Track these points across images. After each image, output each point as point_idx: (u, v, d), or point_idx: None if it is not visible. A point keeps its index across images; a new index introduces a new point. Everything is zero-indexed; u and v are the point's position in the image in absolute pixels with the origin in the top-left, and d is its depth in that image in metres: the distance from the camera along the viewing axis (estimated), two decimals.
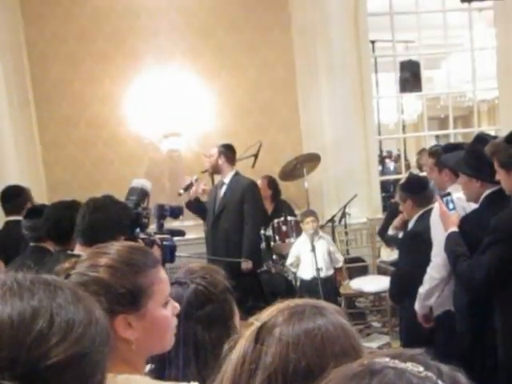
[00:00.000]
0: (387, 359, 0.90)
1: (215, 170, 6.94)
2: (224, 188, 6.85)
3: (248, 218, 6.71)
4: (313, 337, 1.24)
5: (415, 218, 4.94)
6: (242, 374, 1.25)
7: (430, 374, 0.86)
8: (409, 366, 0.87)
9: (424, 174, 7.20)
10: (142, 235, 3.71)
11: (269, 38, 8.53)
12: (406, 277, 4.60)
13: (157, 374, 2.04)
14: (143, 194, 3.87)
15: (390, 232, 6.38)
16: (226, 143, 6.95)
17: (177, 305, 1.95)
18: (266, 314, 1.32)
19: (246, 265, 6.56)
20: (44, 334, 0.96)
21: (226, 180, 6.85)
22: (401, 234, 6.03)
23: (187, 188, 6.89)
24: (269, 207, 7.99)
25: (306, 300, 1.38)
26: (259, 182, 7.72)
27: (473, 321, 3.93)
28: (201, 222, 7.60)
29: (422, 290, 4.35)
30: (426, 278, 4.30)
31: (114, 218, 3.30)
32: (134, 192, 3.86)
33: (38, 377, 0.93)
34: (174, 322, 1.93)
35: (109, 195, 3.57)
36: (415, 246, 4.52)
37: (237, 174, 6.91)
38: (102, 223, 3.27)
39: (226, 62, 8.50)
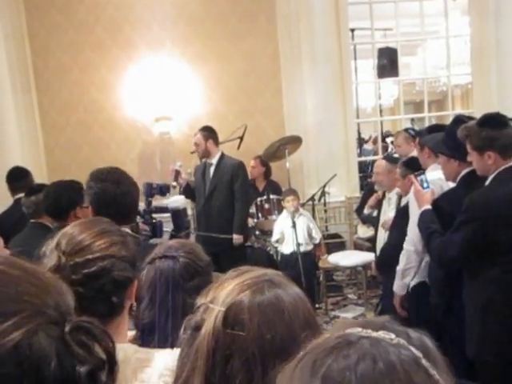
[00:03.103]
0: (360, 329, 0.86)
1: (205, 154, 6.60)
2: (212, 169, 6.57)
3: (239, 196, 6.47)
4: (280, 313, 1.19)
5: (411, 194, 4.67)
6: (216, 362, 1.17)
7: (401, 340, 0.84)
8: (381, 334, 0.84)
9: (396, 155, 7.02)
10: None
11: (254, 27, 8.21)
12: (396, 249, 4.32)
13: (142, 340, 1.98)
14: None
15: (366, 211, 6.29)
16: (206, 126, 6.67)
17: None
18: (224, 296, 1.22)
19: (238, 240, 6.39)
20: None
21: (214, 161, 6.57)
22: (375, 213, 5.92)
23: (176, 177, 6.58)
24: (261, 185, 7.78)
25: (255, 273, 1.28)
26: (252, 162, 7.65)
27: (445, 294, 3.76)
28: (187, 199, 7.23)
29: (398, 267, 4.16)
30: (402, 253, 4.12)
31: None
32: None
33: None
34: None
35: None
36: (407, 221, 4.20)
37: (223, 154, 6.64)
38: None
39: (214, 50, 8.20)
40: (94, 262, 1.64)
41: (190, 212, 7.55)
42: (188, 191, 6.67)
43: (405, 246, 4.09)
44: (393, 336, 0.83)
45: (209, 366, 1.17)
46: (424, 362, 0.82)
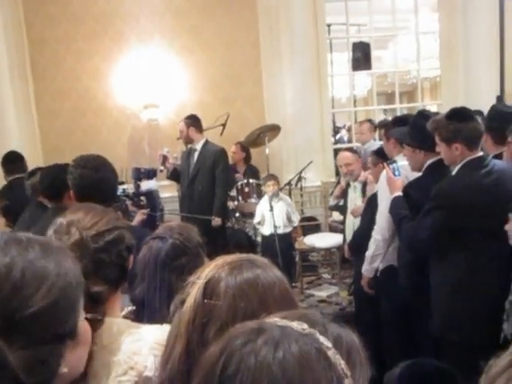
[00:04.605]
0: (277, 319, 0.88)
1: (188, 141, 6.54)
2: (196, 154, 6.48)
3: (219, 181, 6.36)
4: (255, 286, 1.20)
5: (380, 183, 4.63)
6: (195, 328, 1.19)
7: (313, 330, 0.84)
8: (294, 324, 0.85)
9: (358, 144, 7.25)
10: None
11: (237, 19, 8.11)
12: (367, 233, 4.27)
13: (135, 315, 1.96)
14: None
15: (332, 202, 6.07)
16: (190, 115, 6.60)
17: None
18: (207, 271, 1.24)
19: (216, 222, 6.26)
20: (18, 287, 0.87)
21: (198, 147, 6.47)
22: (342, 202, 5.80)
23: (164, 162, 6.51)
24: (241, 169, 7.74)
25: (239, 255, 1.30)
26: (233, 148, 7.62)
27: (413, 276, 3.73)
28: (173, 182, 7.26)
29: (368, 253, 4.14)
30: (371, 241, 4.09)
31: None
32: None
33: (15, 328, 0.84)
34: None
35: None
36: (377, 208, 4.16)
37: (207, 141, 6.53)
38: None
39: (199, 41, 8.12)
40: (109, 231, 1.71)
41: (175, 194, 7.46)
42: (175, 175, 6.65)
43: (373, 234, 4.07)
44: (305, 326, 0.85)
45: (189, 332, 1.19)
46: (330, 352, 0.83)
